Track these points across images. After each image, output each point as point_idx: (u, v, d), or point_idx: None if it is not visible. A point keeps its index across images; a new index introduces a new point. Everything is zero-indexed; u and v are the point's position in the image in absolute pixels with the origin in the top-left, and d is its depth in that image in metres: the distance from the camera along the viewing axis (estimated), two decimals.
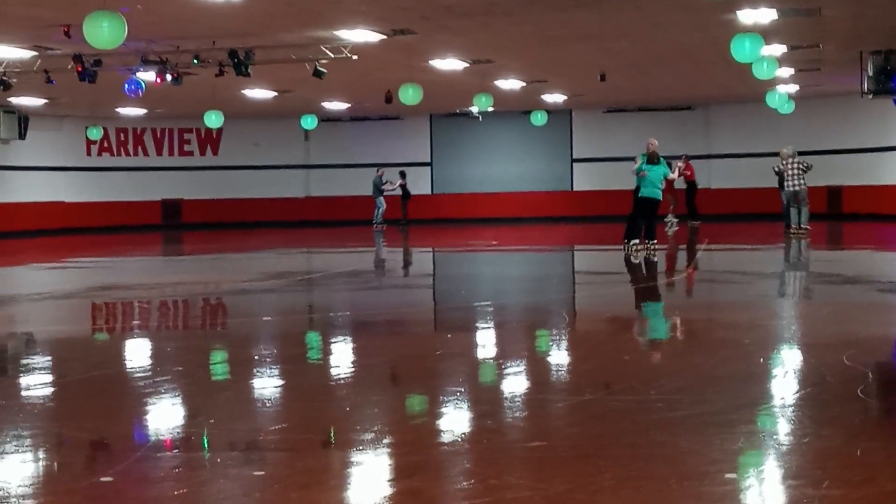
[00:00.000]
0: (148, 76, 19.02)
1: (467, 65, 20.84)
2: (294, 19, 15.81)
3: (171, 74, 18.71)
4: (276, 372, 7.55)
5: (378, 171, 31.05)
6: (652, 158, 17.43)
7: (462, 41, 18.24)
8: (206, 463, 4.93)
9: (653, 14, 16.00)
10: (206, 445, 5.22)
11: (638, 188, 17.66)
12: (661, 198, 17.60)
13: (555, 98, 28.48)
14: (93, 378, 7.04)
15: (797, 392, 6.26)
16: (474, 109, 26.54)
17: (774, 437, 5.21)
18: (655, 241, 17.67)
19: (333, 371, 7.60)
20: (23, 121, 28.64)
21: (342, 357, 8.34)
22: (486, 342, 9.04)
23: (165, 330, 10.30)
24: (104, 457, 5.14)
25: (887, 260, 17.74)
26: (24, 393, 6.82)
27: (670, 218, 26.77)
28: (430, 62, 20.22)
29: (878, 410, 5.81)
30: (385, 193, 30.77)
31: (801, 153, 22.53)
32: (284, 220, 32.87)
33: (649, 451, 4.83)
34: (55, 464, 5.05)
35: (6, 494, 4.36)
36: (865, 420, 5.53)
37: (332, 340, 9.20)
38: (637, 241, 17.55)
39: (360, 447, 5.10)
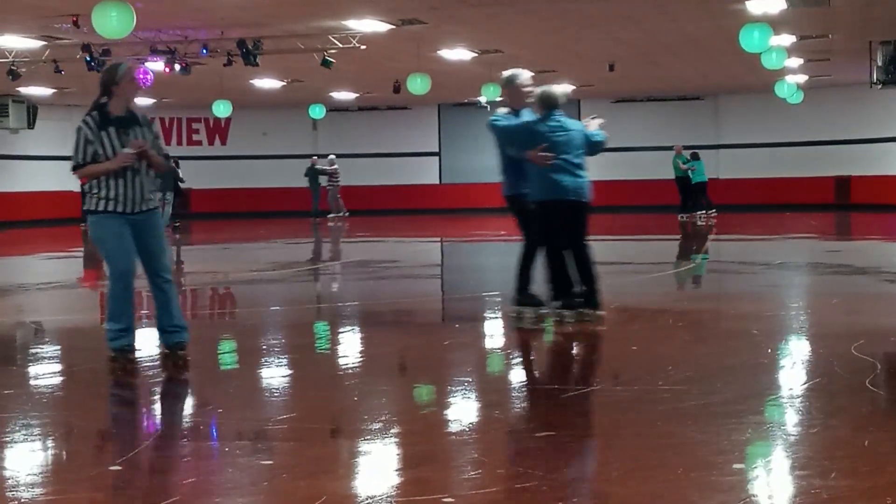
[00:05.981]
0: (156, 66, 19.02)
1: (475, 55, 20.82)
2: (303, 9, 15.81)
3: (180, 64, 18.72)
4: (284, 361, 7.56)
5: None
6: None
7: (470, 31, 18.22)
8: (214, 452, 4.94)
9: (661, 3, 15.97)
10: (214, 435, 5.24)
11: None
12: None
13: (563, 88, 28.45)
14: (101, 367, 7.05)
15: (805, 383, 6.25)
16: (482, 99, 26.49)
17: (782, 427, 5.20)
18: None
19: (341, 361, 7.61)
20: (32, 110, 28.64)
21: (350, 347, 8.35)
22: (493, 332, 9.04)
23: None
24: (113, 446, 5.15)
25: None
26: (32, 382, 6.84)
27: None
28: (439, 52, 20.20)
29: (887, 401, 5.80)
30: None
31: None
32: (292, 210, 32.86)
33: (657, 441, 4.83)
34: (64, 452, 5.06)
35: (15, 483, 4.38)
36: (873, 411, 5.52)
37: (340, 330, 9.22)
38: None
39: (369, 437, 5.11)
